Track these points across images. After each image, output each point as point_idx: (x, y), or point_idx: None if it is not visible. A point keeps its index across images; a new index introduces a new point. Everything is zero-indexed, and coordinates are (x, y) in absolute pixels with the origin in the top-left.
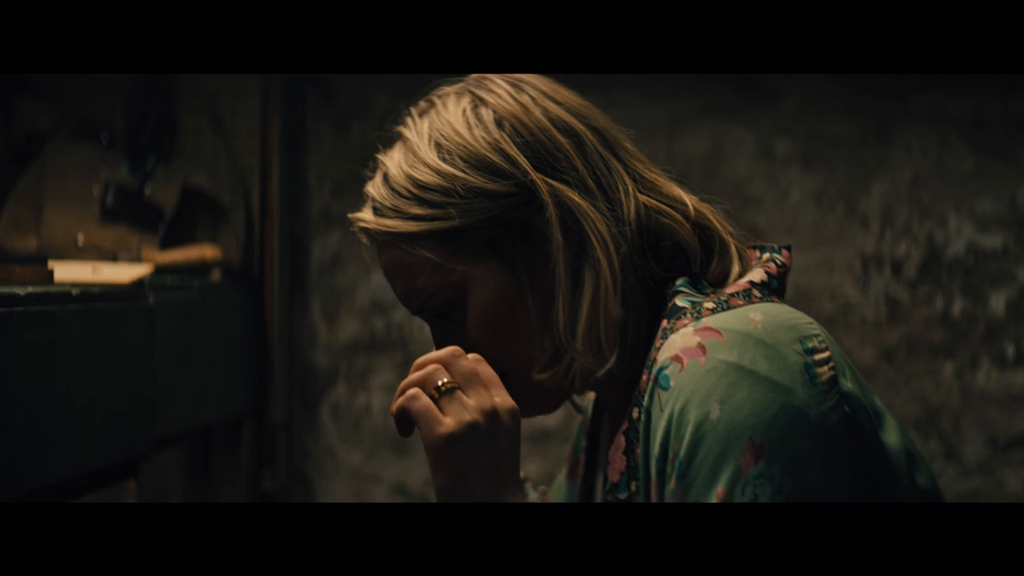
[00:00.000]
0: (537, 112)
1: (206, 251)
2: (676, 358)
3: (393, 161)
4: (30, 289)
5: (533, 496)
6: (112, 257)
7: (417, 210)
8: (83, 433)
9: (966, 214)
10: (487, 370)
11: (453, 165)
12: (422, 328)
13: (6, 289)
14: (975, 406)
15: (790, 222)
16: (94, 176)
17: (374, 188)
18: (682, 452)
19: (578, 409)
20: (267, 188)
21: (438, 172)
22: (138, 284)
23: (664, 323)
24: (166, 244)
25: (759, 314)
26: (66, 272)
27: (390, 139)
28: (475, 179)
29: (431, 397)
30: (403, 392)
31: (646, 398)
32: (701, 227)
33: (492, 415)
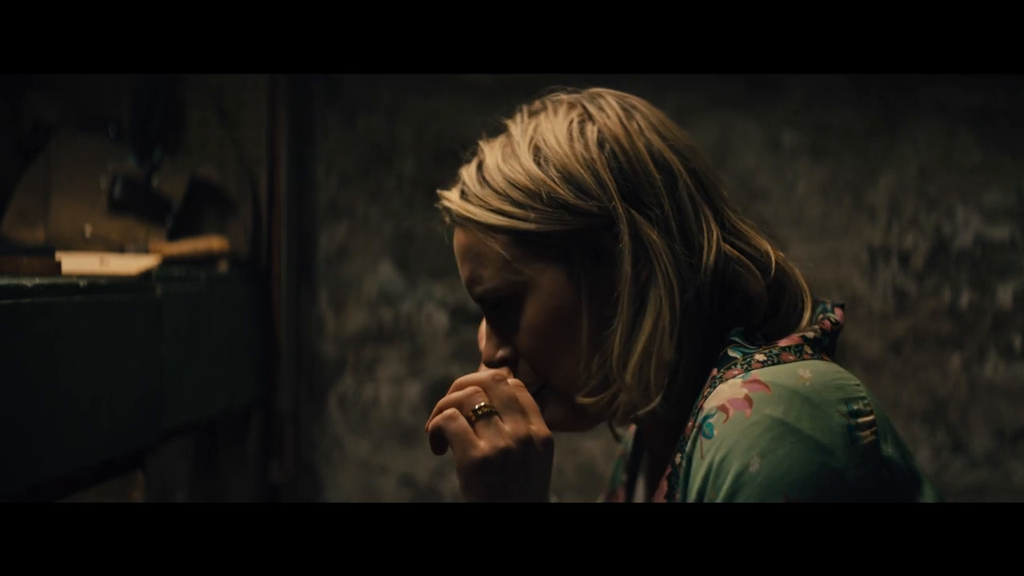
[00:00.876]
0: (640, 142)
1: (213, 242)
2: (722, 408)
3: (491, 152)
4: (37, 281)
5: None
6: (119, 249)
7: (500, 205)
8: (90, 425)
9: (973, 206)
10: (526, 397)
11: (545, 172)
12: (430, 319)
13: (13, 281)
14: (982, 398)
15: (797, 214)
16: (101, 168)
17: (467, 172)
18: (719, 501)
19: (618, 439)
20: (274, 179)
21: (529, 175)
22: (145, 276)
23: (714, 372)
24: (173, 236)
25: (808, 371)
26: (73, 264)
27: (498, 129)
28: (562, 191)
29: (468, 419)
30: (440, 411)
31: (689, 444)
32: (779, 282)
33: (526, 442)
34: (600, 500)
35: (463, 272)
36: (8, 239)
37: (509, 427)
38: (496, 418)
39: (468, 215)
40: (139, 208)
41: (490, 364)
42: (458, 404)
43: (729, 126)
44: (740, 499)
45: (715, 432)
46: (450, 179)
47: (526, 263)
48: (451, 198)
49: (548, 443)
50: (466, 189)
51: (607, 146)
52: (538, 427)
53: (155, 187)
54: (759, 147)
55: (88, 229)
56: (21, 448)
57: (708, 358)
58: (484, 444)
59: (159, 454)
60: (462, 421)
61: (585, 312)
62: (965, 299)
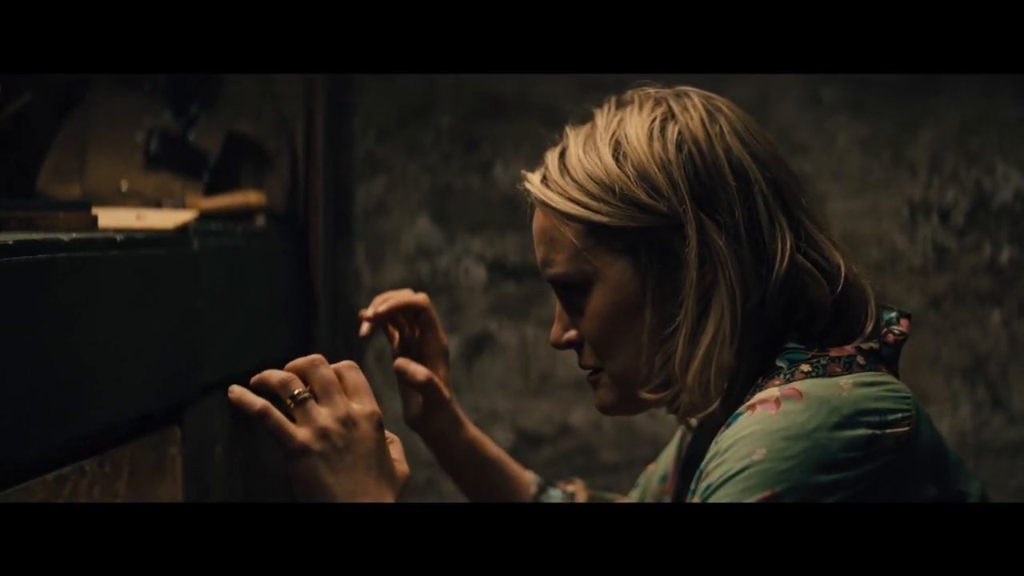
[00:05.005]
0: (719, 147)
1: (250, 197)
2: (751, 406)
3: (575, 141)
4: (74, 235)
5: (556, 494)
6: (156, 204)
7: (576, 195)
8: (127, 379)
9: (1014, 162)
10: (354, 376)
11: (621, 168)
12: (468, 273)
13: (50, 235)
14: (1022, 354)
15: (836, 169)
16: (137, 123)
17: (550, 157)
18: (715, 475)
19: (690, 428)
20: (311, 134)
21: (606, 169)
22: (182, 230)
23: (760, 380)
24: (210, 190)
25: (850, 383)
26: (110, 218)
27: (586, 117)
28: (635, 188)
29: (288, 406)
30: (257, 387)
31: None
32: (844, 294)
33: (345, 421)
34: (649, 470)
35: (538, 253)
36: (44, 194)
37: (327, 409)
38: (312, 402)
39: (546, 200)
40: (175, 163)
41: (556, 345)
42: (277, 390)
43: (768, 80)
44: (733, 481)
45: (737, 423)
46: (487, 135)
47: (596, 254)
48: (533, 181)
49: (372, 418)
50: (547, 175)
51: (685, 148)
52: (362, 405)
53: (191, 142)
54: (798, 102)
55: (124, 184)
56: (59, 402)
57: (764, 365)
58: (301, 432)
59: (197, 409)
60: (275, 417)
61: (648, 308)
62: (1005, 255)
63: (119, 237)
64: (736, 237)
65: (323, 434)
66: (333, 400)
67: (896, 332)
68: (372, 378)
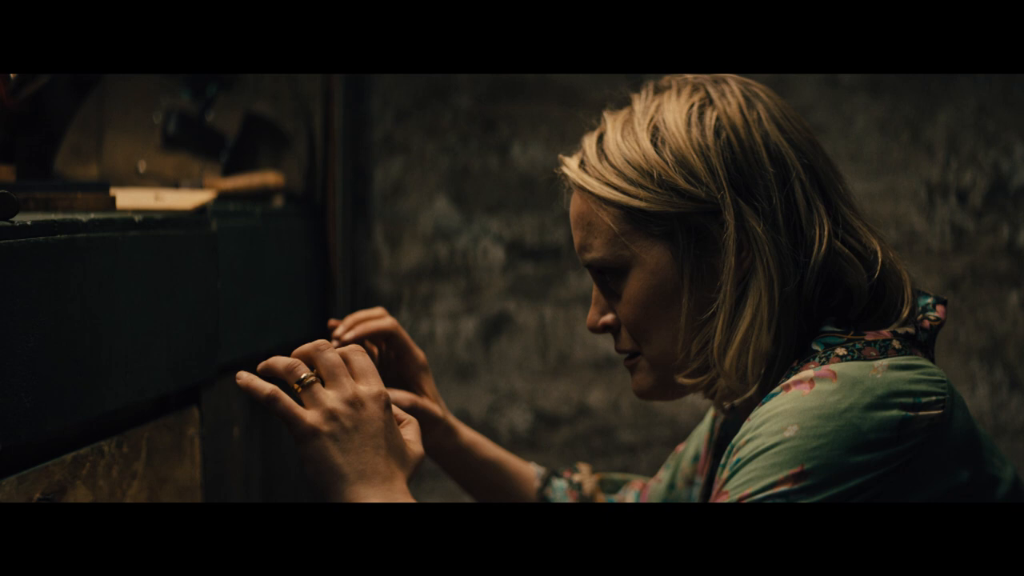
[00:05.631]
0: (757, 133)
1: (268, 177)
2: (785, 386)
3: (613, 125)
4: (92, 216)
5: (561, 485)
6: (174, 184)
7: (614, 179)
8: (146, 360)
9: None
10: (360, 360)
11: (660, 154)
12: (486, 254)
13: (68, 216)
14: None
15: (854, 150)
16: (155, 103)
17: (588, 142)
18: (745, 450)
19: (725, 413)
20: (330, 114)
21: (644, 154)
22: (200, 210)
23: (795, 363)
24: (228, 171)
25: (885, 366)
26: (128, 199)
27: (624, 102)
28: (673, 174)
29: (295, 391)
30: (265, 375)
31: None
32: (881, 280)
33: (352, 403)
34: (678, 450)
35: (575, 237)
36: (62, 175)
37: (333, 392)
38: (318, 386)
39: (583, 185)
40: (193, 144)
41: (593, 329)
42: (283, 375)
43: None
44: (763, 456)
45: (770, 402)
46: (504, 115)
47: (633, 239)
48: (571, 166)
49: (379, 398)
50: (585, 159)
51: (723, 134)
52: (368, 387)
53: (209, 122)
54: (817, 83)
55: (142, 165)
56: (77, 383)
57: (801, 350)
58: (310, 414)
59: (215, 389)
60: (284, 401)
61: (685, 293)
62: (1023, 237)
63: (137, 218)
64: (774, 223)
65: (331, 416)
66: (340, 382)
67: (932, 318)
68: None
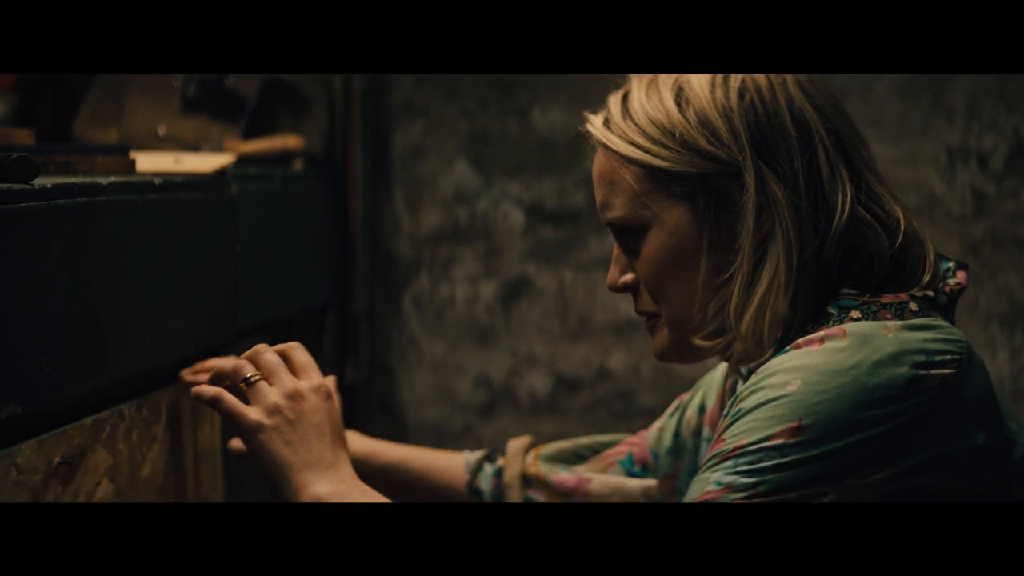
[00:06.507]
0: (781, 96)
1: (288, 141)
2: (796, 344)
3: (639, 85)
4: (112, 179)
5: (488, 470)
6: (194, 148)
7: (636, 138)
8: (165, 323)
9: None
10: (299, 356)
11: (683, 114)
12: (506, 217)
13: (89, 179)
14: None
15: (875, 114)
16: None
17: (613, 100)
18: (748, 401)
19: (740, 376)
20: (349, 78)
21: (667, 114)
22: (220, 173)
23: (810, 326)
24: (248, 135)
25: (898, 326)
26: (148, 162)
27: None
28: (695, 135)
29: (239, 389)
30: (215, 378)
31: None
32: (903, 247)
33: (293, 395)
34: (683, 399)
35: (597, 196)
36: (82, 139)
37: (275, 388)
38: (262, 383)
39: (607, 143)
40: (213, 107)
41: (613, 288)
42: (229, 376)
43: None
44: (764, 408)
45: (778, 357)
46: (524, 79)
47: (654, 199)
48: (595, 123)
49: (320, 390)
50: (609, 117)
51: (747, 96)
52: (309, 381)
53: (229, 86)
54: None
55: (162, 129)
56: (97, 345)
57: (817, 313)
58: (253, 410)
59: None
60: (228, 400)
61: (704, 254)
62: None
63: (157, 181)
64: (795, 187)
65: (274, 410)
66: (280, 379)
67: (952, 283)
68: (409, 322)
